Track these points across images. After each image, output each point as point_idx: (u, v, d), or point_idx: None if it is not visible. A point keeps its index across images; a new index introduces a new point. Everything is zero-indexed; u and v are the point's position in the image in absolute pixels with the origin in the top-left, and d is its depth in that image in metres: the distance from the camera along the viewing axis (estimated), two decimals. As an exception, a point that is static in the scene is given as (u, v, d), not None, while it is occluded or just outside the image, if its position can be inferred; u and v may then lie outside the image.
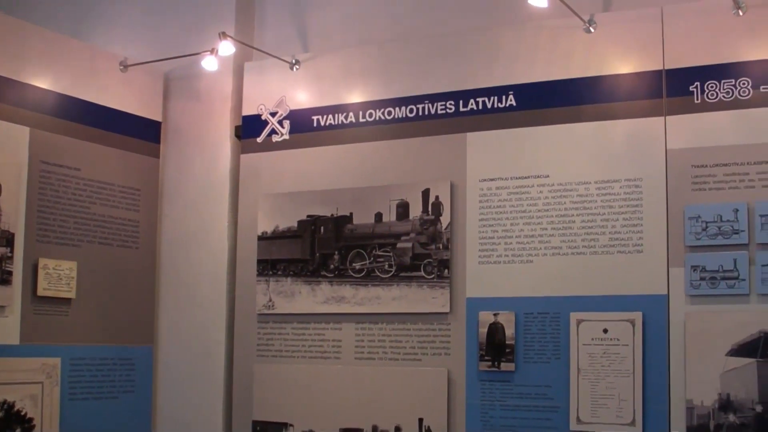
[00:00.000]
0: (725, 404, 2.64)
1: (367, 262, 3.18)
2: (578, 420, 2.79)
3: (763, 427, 2.60)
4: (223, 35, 3.17)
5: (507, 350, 2.90)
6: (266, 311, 3.36)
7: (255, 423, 3.34)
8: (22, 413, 3.05)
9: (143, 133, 3.61)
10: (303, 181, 3.35)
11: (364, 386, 3.15)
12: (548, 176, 2.96)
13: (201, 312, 3.48)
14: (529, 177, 2.98)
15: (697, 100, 2.78)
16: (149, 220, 3.58)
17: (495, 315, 2.92)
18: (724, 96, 2.75)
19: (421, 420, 3.04)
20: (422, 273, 3.08)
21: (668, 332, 2.73)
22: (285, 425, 3.28)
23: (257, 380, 3.35)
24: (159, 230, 3.62)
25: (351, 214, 3.26)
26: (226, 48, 3.21)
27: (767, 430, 2.61)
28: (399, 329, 3.12)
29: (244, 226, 3.47)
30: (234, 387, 3.43)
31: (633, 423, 2.73)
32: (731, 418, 2.62)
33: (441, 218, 3.09)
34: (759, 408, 2.61)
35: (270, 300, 3.34)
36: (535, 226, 2.94)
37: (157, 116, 3.65)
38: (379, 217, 3.19)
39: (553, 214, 2.91)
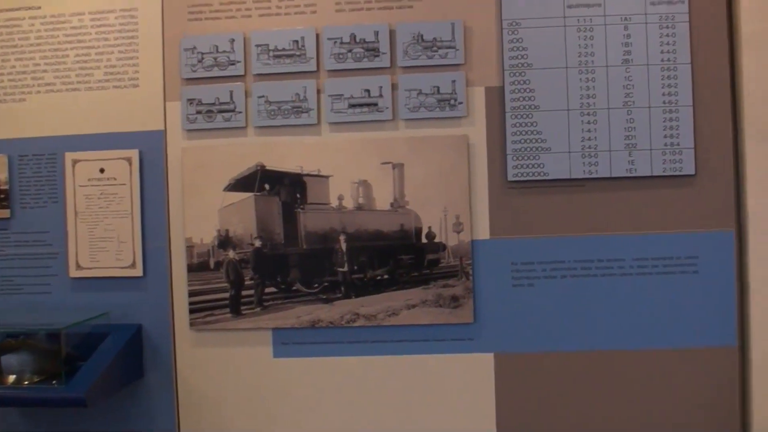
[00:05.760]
0: (224, 240, 2.11)
1: None
2: (78, 265, 2.18)
3: (261, 260, 2.15)
4: None
5: (2, 196, 2.18)
6: None
7: None
8: None
9: None
10: None
11: None
12: (40, 7, 2.31)
13: None
14: (20, 9, 2.33)
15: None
16: None
17: (-13, 159, 2.22)
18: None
19: None
20: None
21: (166, 169, 2.16)
22: None
23: None
24: None
25: None
26: None
27: (265, 263, 2.13)
28: None
29: None
30: None
31: (133, 265, 2.17)
32: (231, 254, 2.12)
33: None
34: (258, 242, 2.12)
35: None
36: (28, 61, 2.27)
37: None
38: None
39: (46, 48, 2.24)
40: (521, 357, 2.18)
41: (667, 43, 2.16)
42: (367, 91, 2.18)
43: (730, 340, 2.16)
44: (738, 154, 2.16)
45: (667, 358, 2.17)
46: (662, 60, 2.16)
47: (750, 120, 2.12)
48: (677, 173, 2.15)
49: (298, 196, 2.19)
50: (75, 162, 2.25)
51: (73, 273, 2.26)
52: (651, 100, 2.15)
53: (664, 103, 2.15)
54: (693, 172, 2.14)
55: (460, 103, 2.16)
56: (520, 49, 2.17)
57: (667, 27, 2.16)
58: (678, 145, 2.15)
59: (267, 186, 2.19)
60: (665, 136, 2.15)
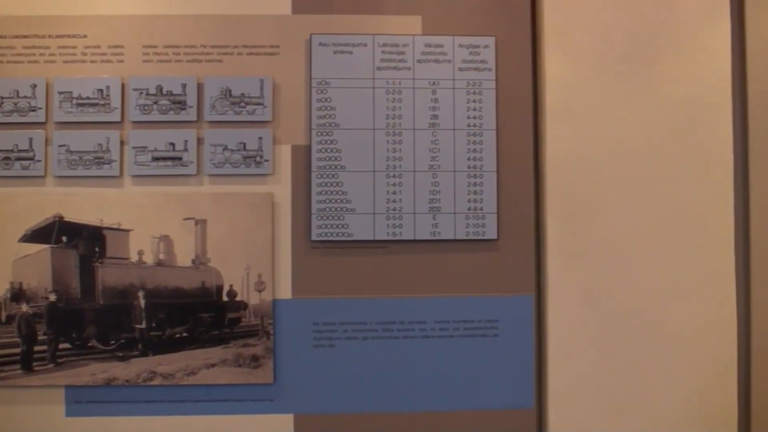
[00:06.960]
0: (17, 293, 1.99)
1: None
2: None
3: (56, 315, 2.05)
4: None
5: None
6: None
7: None
8: None
9: None
10: None
11: None
12: None
13: None
14: None
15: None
16: None
17: None
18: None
19: None
20: None
21: (-43, 218, 1.99)
22: None
23: None
24: None
25: None
26: None
27: (60, 317, 2.04)
28: None
29: None
30: None
31: None
32: (24, 307, 2.02)
33: None
34: (53, 296, 2.00)
35: None
36: None
37: None
38: None
39: None
40: (321, 417, 2.13)
41: (474, 109, 2.15)
42: (172, 144, 2.10)
43: (528, 402, 2.14)
44: (539, 220, 2.16)
45: (467, 419, 2.14)
46: (468, 125, 2.15)
47: (551, 186, 2.13)
48: (480, 237, 2.13)
49: (96, 249, 2.09)
50: None
51: None
52: (456, 164, 2.13)
53: (468, 167, 2.14)
54: (495, 237, 2.13)
55: (266, 160, 2.11)
56: (329, 108, 2.12)
57: (474, 93, 2.15)
58: (481, 209, 2.13)
59: (64, 238, 2.09)
60: (469, 201, 2.13)
